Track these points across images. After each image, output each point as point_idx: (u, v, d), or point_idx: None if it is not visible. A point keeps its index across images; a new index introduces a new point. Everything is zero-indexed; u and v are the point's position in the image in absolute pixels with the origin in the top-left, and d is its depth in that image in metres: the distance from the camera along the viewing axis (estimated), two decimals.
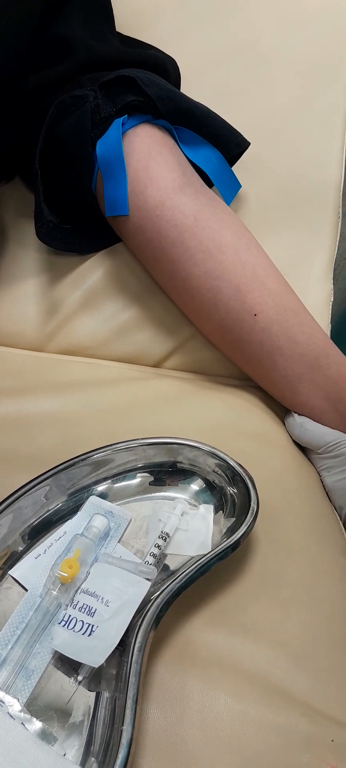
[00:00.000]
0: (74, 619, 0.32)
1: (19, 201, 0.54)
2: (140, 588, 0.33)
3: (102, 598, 0.33)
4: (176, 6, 0.62)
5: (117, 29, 0.55)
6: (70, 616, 0.33)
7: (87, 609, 0.33)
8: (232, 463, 0.38)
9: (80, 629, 0.32)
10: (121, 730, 0.27)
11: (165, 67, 0.53)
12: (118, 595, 0.33)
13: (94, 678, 0.31)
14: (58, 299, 0.51)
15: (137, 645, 0.30)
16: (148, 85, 0.47)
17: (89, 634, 0.32)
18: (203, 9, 0.62)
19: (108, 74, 0.47)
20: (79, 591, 0.34)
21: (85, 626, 0.32)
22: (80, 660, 0.31)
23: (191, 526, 0.38)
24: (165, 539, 0.37)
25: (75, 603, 0.33)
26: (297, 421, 0.49)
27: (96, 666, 0.30)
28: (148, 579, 0.34)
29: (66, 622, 0.32)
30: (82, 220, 0.51)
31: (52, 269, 0.52)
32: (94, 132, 0.47)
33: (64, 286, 0.51)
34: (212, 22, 0.62)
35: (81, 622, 0.32)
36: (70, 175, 0.49)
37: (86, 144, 0.47)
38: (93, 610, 0.33)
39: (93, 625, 0.32)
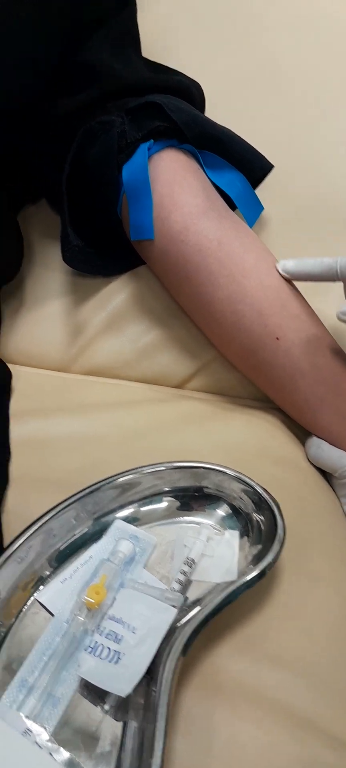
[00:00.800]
0: (101, 646, 0.33)
1: (45, 223, 0.55)
2: (167, 615, 0.33)
3: (128, 625, 0.33)
4: (198, 30, 0.63)
5: (143, 54, 0.56)
6: (96, 642, 0.33)
7: (113, 636, 0.33)
8: (258, 489, 0.38)
9: (107, 656, 0.32)
10: (150, 763, 0.27)
11: (190, 92, 0.53)
12: (144, 621, 0.33)
13: (122, 707, 0.31)
14: (83, 321, 0.52)
15: (165, 674, 0.30)
16: (174, 111, 0.48)
17: (116, 662, 0.32)
18: (225, 32, 0.63)
19: (134, 100, 0.48)
20: (105, 617, 0.34)
21: (112, 653, 0.32)
22: (107, 689, 0.31)
23: (217, 552, 0.38)
24: (190, 565, 0.37)
25: (101, 630, 0.33)
26: (314, 442, 0.48)
27: (123, 695, 0.30)
28: (174, 606, 0.34)
29: (93, 648, 0.32)
30: (107, 244, 0.52)
31: (77, 291, 0.53)
32: (121, 156, 0.47)
33: (89, 307, 0.52)
34: (233, 45, 0.63)
35: (107, 650, 0.32)
36: (96, 199, 0.50)
37: (113, 168, 0.48)
38: (119, 637, 0.33)
39: (120, 653, 0.32)
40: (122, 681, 0.31)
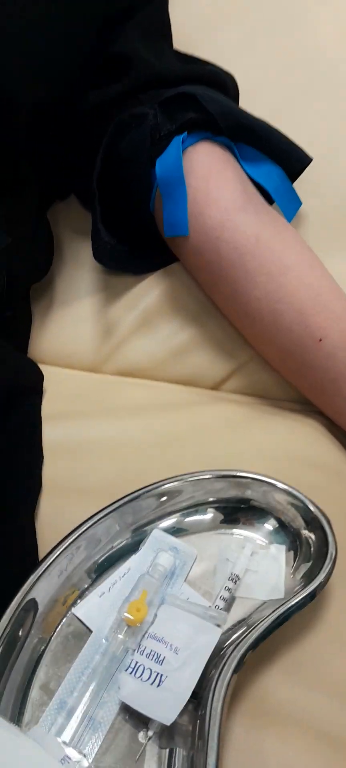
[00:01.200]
0: (142, 667, 0.31)
1: (75, 220, 0.54)
2: (211, 636, 0.31)
3: (171, 645, 0.31)
4: (232, 20, 0.60)
5: (174, 46, 0.54)
6: (137, 662, 0.31)
7: (155, 656, 0.31)
8: (307, 502, 0.36)
9: (148, 678, 0.30)
10: None
11: (224, 83, 0.51)
12: (187, 642, 0.31)
13: (167, 733, 0.29)
14: (115, 320, 0.50)
15: (214, 703, 0.28)
16: (208, 101, 0.46)
17: (158, 685, 0.30)
18: (261, 22, 0.60)
19: (167, 92, 0.46)
20: (146, 636, 0.32)
21: (154, 675, 0.30)
22: (151, 716, 0.29)
23: (262, 567, 0.36)
24: (235, 581, 0.35)
25: (142, 649, 0.31)
26: None
27: (167, 724, 0.28)
28: (218, 625, 0.32)
29: (133, 669, 0.31)
30: (139, 240, 0.50)
31: (108, 289, 0.51)
32: (154, 150, 0.45)
33: (120, 306, 0.50)
34: (271, 35, 0.60)
35: (149, 670, 0.30)
36: (128, 195, 0.48)
37: (145, 163, 0.46)
38: (161, 658, 0.31)
39: (162, 675, 0.30)
40: (165, 707, 0.29)
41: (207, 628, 0.32)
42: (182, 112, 0.45)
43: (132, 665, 0.31)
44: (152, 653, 0.31)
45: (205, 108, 0.45)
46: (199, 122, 0.46)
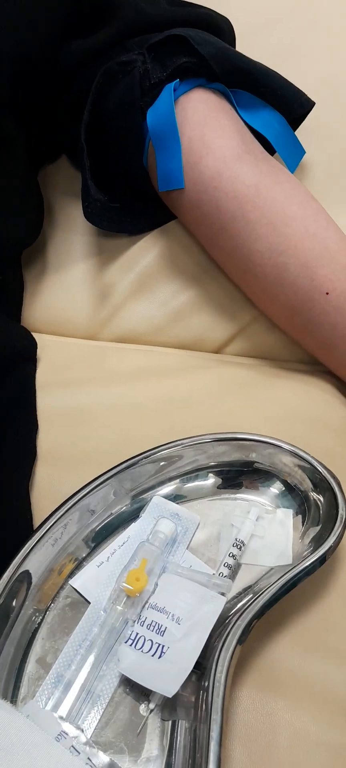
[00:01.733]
0: (142, 638, 0.29)
1: (67, 183, 0.51)
2: (215, 605, 0.30)
3: (173, 615, 0.29)
4: None
5: None
6: (137, 634, 0.29)
7: (156, 627, 0.29)
8: (316, 464, 0.34)
9: (149, 650, 0.29)
10: None
11: (219, 26, 0.48)
12: (190, 612, 0.30)
13: (169, 705, 0.28)
14: (110, 284, 0.48)
15: (218, 674, 0.26)
16: (201, 44, 0.42)
17: (159, 656, 0.28)
18: None
19: (157, 36, 0.43)
20: (147, 606, 0.30)
21: (155, 646, 0.29)
22: (151, 687, 0.27)
23: (268, 532, 0.34)
24: (240, 547, 0.33)
25: (143, 620, 0.30)
26: None
27: (169, 696, 0.27)
28: (222, 593, 0.30)
29: (133, 640, 0.29)
30: (132, 198, 0.47)
31: (103, 252, 0.49)
32: (144, 100, 0.43)
33: (116, 269, 0.48)
34: None
35: (150, 642, 0.29)
36: (119, 149, 0.45)
37: (136, 114, 0.43)
38: (163, 629, 0.29)
39: (163, 646, 0.28)
40: (167, 679, 0.27)
41: (211, 596, 0.30)
42: (173, 58, 0.42)
43: (132, 637, 0.29)
44: (153, 624, 0.29)
45: (198, 52, 0.42)
46: (192, 68, 0.43)
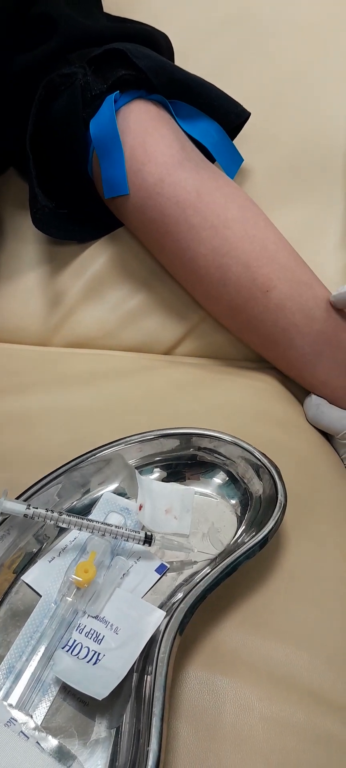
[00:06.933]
0: (79, 645, 0.30)
1: (15, 194, 0.52)
2: (154, 617, 0.30)
3: (111, 625, 0.30)
4: None
5: (106, 11, 0.53)
6: (75, 641, 0.30)
7: (94, 635, 0.30)
8: (256, 453, 0.36)
9: (85, 656, 0.29)
10: (147, 751, 0.25)
11: (157, 41, 0.50)
12: (129, 623, 0.30)
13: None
14: (61, 290, 0.49)
15: (161, 655, 0.27)
16: (139, 57, 0.44)
17: (95, 663, 0.29)
18: None
19: (96, 50, 0.45)
20: (86, 615, 0.31)
21: (91, 653, 0.29)
22: (83, 690, 0.28)
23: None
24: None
25: (81, 627, 0.30)
26: (313, 402, 0.46)
27: (99, 699, 0.27)
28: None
29: (70, 647, 0.30)
30: (79, 206, 0.49)
31: (53, 260, 0.50)
32: (86, 111, 0.44)
33: (66, 276, 0.49)
34: None
35: (86, 649, 0.30)
36: (65, 159, 0.47)
37: (79, 124, 0.44)
38: (100, 637, 0.30)
39: (99, 653, 0.29)
40: (99, 684, 0.28)
41: (150, 609, 0.31)
42: (113, 71, 0.44)
43: (70, 643, 0.30)
44: (91, 632, 0.30)
45: (136, 65, 0.44)
46: (131, 80, 0.45)
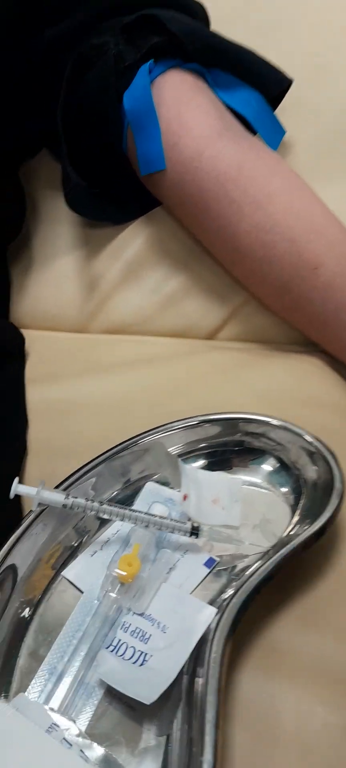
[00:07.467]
0: (125, 645, 0.28)
1: (48, 176, 0.51)
2: (204, 615, 0.28)
3: (158, 623, 0.28)
4: None
5: None
6: (120, 640, 0.28)
7: (140, 634, 0.28)
8: (309, 438, 0.33)
9: (131, 657, 0.27)
10: (201, 762, 0.22)
11: (191, 8, 0.47)
12: (177, 620, 0.28)
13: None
14: (97, 275, 0.47)
15: (213, 656, 0.25)
16: (172, 22, 0.42)
17: (141, 664, 0.27)
18: None
19: (128, 17, 0.43)
20: (132, 612, 0.29)
21: (137, 654, 0.27)
22: (129, 694, 0.26)
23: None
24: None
25: (127, 626, 0.28)
26: None
27: (148, 703, 0.25)
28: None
29: (115, 647, 0.28)
30: (115, 186, 0.47)
31: (89, 243, 0.48)
32: (120, 83, 0.42)
33: (102, 259, 0.47)
34: None
35: (132, 649, 0.28)
36: (98, 135, 0.45)
37: (112, 98, 0.42)
38: (147, 636, 0.28)
39: (146, 654, 0.27)
40: (147, 687, 0.26)
41: (200, 606, 0.28)
42: (146, 38, 0.42)
43: (114, 643, 0.28)
44: (137, 630, 0.28)
45: (170, 31, 0.42)
46: (165, 48, 0.42)
